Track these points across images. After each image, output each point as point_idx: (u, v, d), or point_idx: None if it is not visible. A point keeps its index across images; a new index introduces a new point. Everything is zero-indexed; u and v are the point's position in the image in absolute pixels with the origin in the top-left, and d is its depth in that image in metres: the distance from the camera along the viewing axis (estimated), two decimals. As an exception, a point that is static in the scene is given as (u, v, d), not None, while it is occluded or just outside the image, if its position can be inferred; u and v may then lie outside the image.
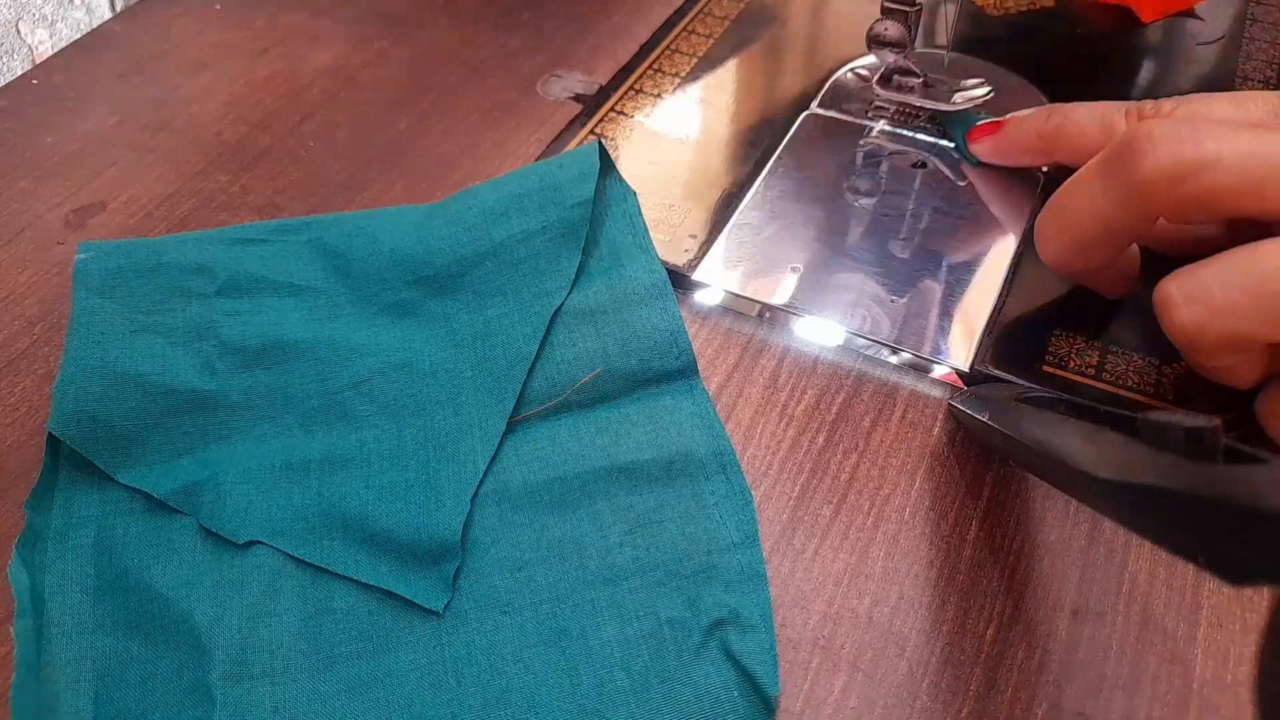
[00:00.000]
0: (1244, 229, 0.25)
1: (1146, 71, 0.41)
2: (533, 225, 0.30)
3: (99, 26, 0.45)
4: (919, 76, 0.38)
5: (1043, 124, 0.33)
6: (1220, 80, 0.40)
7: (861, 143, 0.38)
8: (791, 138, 0.38)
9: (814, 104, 0.40)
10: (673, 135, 0.39)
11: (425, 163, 0.38)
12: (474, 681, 0.24)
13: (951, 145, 0.37)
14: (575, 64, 0.43)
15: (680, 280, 0.33)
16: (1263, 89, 0.40)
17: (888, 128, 0.38)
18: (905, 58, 0.37)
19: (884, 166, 0.37)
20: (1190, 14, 0.43)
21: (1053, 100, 0.35)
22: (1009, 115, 0.35)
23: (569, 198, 0.31)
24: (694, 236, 0.34)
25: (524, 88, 0.42)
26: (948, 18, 0.43)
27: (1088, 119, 0.31)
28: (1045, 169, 0.36)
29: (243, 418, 0.28)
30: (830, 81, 0.41)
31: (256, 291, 0.30)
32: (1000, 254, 0.33)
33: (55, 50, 0.46)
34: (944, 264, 0.33)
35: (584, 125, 0.39)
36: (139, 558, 0.25)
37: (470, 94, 0.41)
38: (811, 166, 0.37)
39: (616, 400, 0.28)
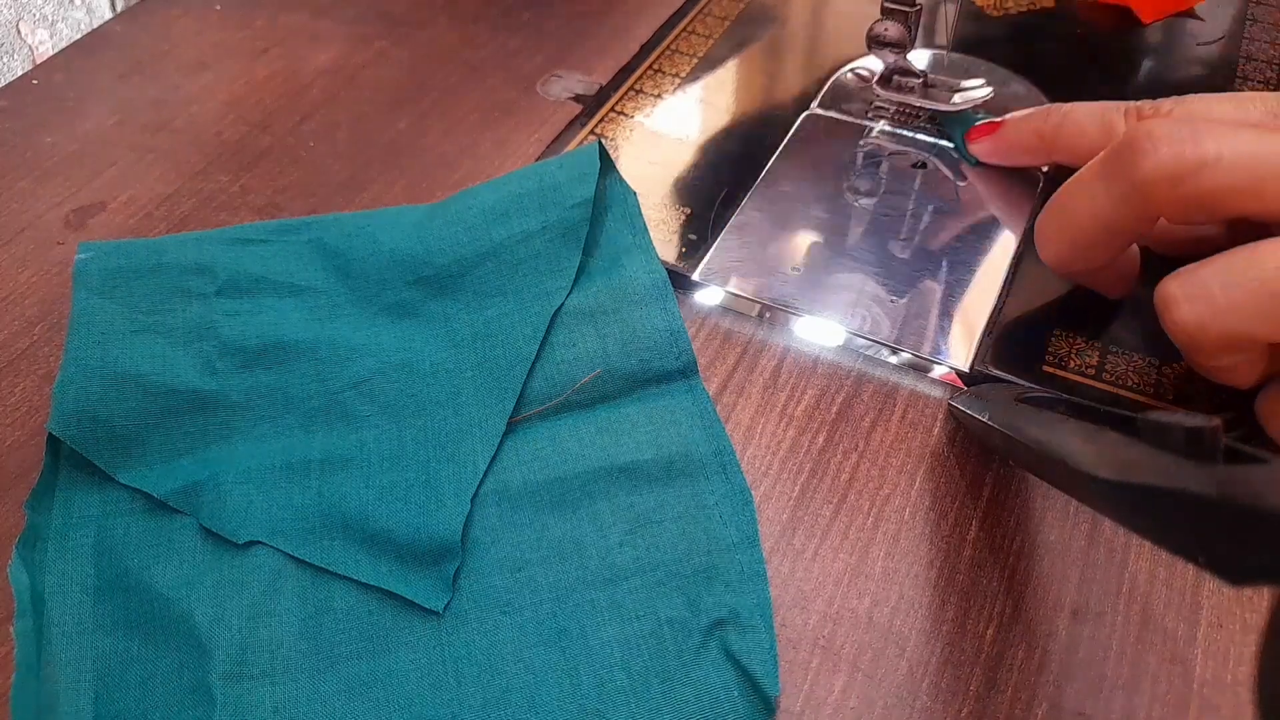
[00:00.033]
0: (1244, 229, 0.25)
1: (1146, 71, 0.41)
2: (533, 225, 0.30)
3: (99, 26, 0.45)
4: (919, 76, 0.38)
5: (1042, 124, 0.33)
6: (1220, 80, 0.40)
7: (861, 143, 0.38)
8: (791, 138, 0.38)
9: (814, 104, 0.40)
10: (673, 135, 0.39)
11: (425, 163, 0.38)
12: (474, 681, 0.24)
13: (951, 145, 0.37)
14: (575, 64, 0.43)
15: (680, 280, 0.33)
16: (1263, 89, 0.40)
17: (888, 128, 0.38)
18: (905, 57, 0.37)
19: (884, 166, 0.37)
20: (1190, 14, 0.43)
21: (1053, 100, 0.35)
22: (1008, 115, 0.35)
23: (569, 198, 0.31)
24: (694, 236, 0.34)
25: (524, 88, 0.42)
26: (948, 18, 0.43)
27: (1087, 119, 0.31)
28: (1045, 169, 0.36)
29: (243, 418, 0.28)
30: (830, 81, 0.41)
31: (257, 291, 0.30)
32: (1000, 254, 0.33)
33: (55, 50, 0.46)
34: (944, 264, 0.33)
35: (584, 125, 0.39)
36: (139, 558, 0.25)
37: (470, 94, 0.41)
38: (811, 166, 0.37)
39: (617, 400, 0.28)
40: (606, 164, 0.32)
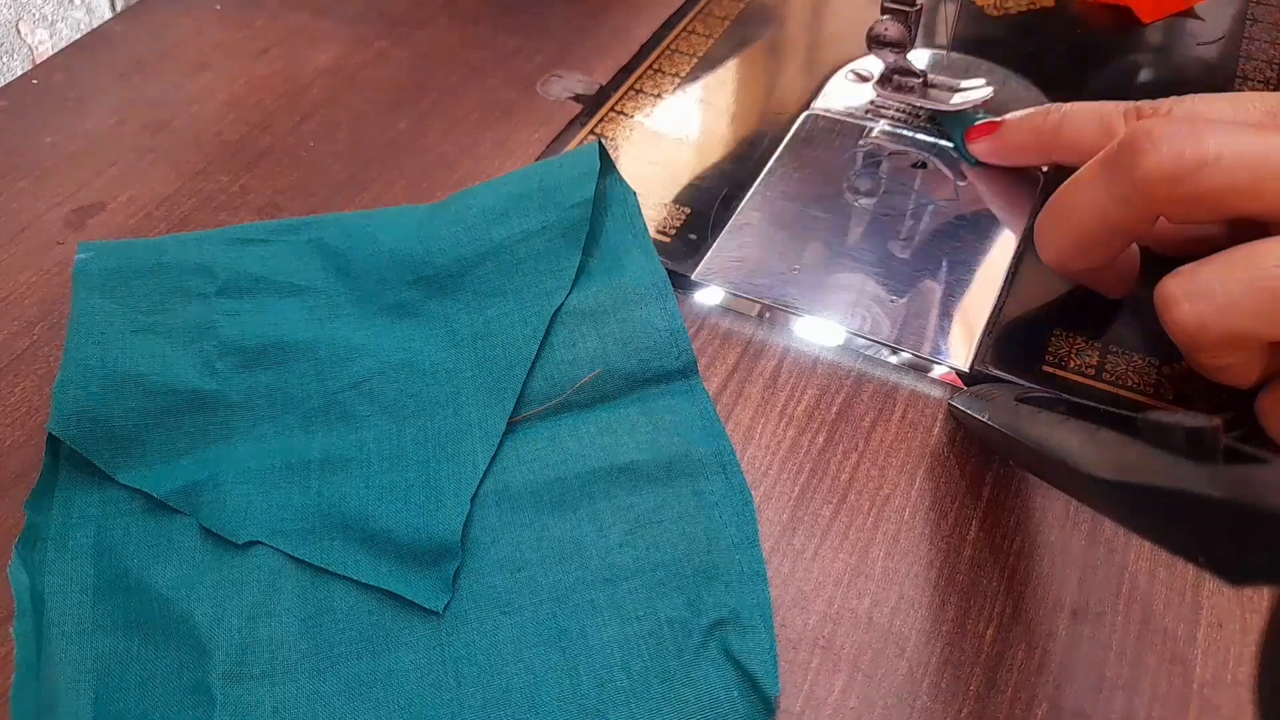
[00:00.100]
0: (1244, 229, 0.25)
1: (1146, 71, 0.41)
2: (533, 225, 0.30)
3: (99, 26, 0.45)
4: (919, 76, 0.38)
5: (1041, 124, 0.33)
6: (1220, 80, 0.40)
7: (861, 143, 0.38)
8: (791, 138, 0.38)
9: (814, 104, 0.40)
10: (673, 135, 0.39)
11: (425, 163, 0.38)
12: (474, 681, 0.24)
13: (951, 145, 0.37)
14: (575, 64, 0.43)
15: (680, 280, 0.33)
16: (1263, 89, 0.40)
17: (888, 128, 0.38)
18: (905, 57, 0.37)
19: (884, 166, 0.37)
20: (1190, 14, 0.43)
21: (1053, 100, 0.35)
22: (1007, 115, 0.35)
23: (569, 198, 0.31)
24: (694, 236, 0.34)
25: (524, 88, 0.42)
26: (948, 18, 0.43)
27: (1087, 119, 0.31)
28: (1045, 169, 0.36)
29: (243, 418, 0.28)
30: (830, 81, 0.41)
31: (257, 291, 0.30)
32: (1000, 254, 0.33)
33: (55, 50, 0.46)
34: (944, 264, 0.33)
35: (584, 125, 0.39)
36: (139, 558, 0.25)
37: (470, 94, 0.41)
38: (811, 166, 0.37)
39: (616, 400, 0.28)
40: (606, 164, 0.32)
